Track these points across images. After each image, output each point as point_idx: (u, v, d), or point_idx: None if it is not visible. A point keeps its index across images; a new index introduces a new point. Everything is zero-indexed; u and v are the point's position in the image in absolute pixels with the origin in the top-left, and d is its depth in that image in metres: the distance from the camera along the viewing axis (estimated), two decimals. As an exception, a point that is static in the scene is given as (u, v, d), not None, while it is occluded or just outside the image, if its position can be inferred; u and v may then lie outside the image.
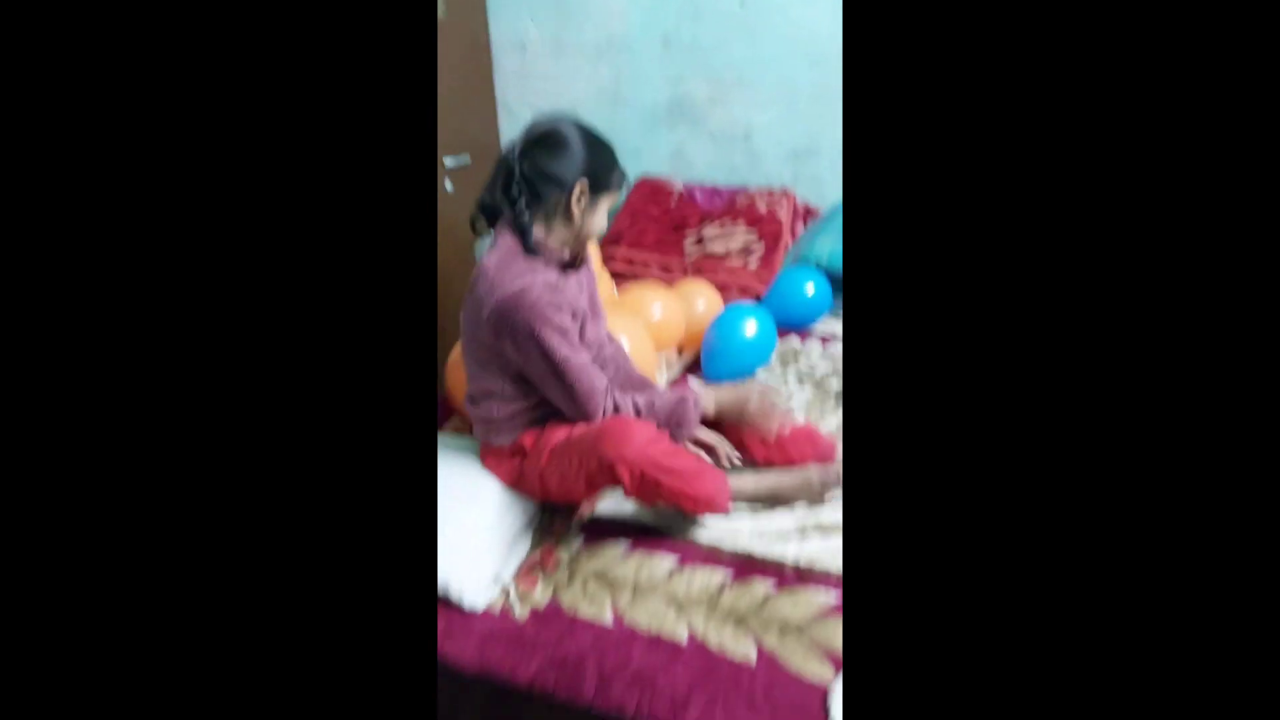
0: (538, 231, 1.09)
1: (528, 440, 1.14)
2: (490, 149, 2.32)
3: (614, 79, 2.43)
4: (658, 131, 2.44)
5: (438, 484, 1.00)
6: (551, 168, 1.07)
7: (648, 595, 1.00)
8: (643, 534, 1.12)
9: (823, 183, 2.37)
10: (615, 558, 1.07)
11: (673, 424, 1.11)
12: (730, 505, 1.11)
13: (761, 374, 1.61)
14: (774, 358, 1.70)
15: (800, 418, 1.40)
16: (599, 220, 1.13)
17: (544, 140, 1.08)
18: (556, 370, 1.06)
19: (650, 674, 0.86)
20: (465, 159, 2.10)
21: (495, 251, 1.09)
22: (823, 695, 0.82)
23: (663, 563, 1.06)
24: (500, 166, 1.10)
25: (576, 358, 1.07)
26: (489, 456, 1.17)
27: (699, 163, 2.42)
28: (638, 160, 2.41)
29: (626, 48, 2.37)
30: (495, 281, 1.05)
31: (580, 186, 1.08)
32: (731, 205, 2.26)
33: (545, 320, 1.04)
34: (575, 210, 1.09)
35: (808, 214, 2.34)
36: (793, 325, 1.85)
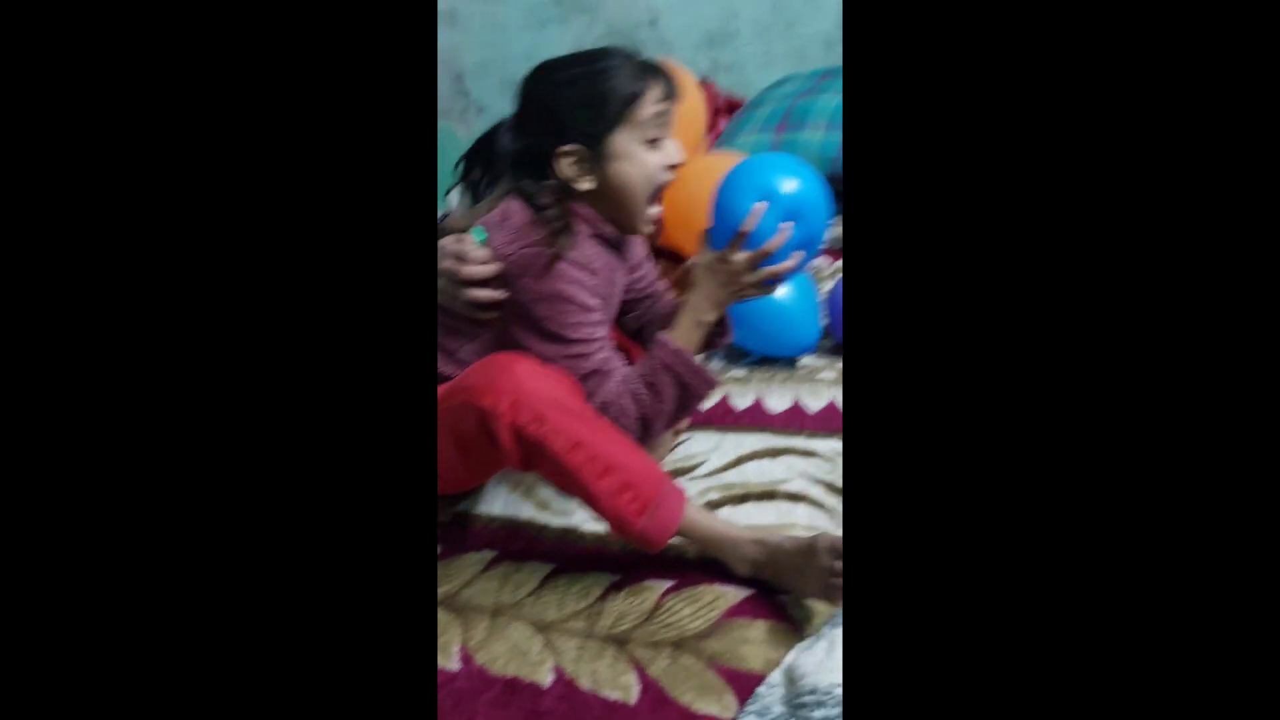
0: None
1: None
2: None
3: (487, -31, 2.06)
4: (547, 29, 2.10)
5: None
6: (524, 151, 0.81)
7: (509, 622, 0.79)
8: (510, 531, 0.91)
9: (744, 69, 2.07)
10: (472, 573, 0.86)
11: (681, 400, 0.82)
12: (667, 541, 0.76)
13: None
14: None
15: None
16: (631, 164, 0.80)
17: (512, 120, 0.83)
18: (566, 341, 0.80)
19: (494, 742, 0.66)
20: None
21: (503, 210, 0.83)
22: (719, 741, 0.63)
23: (532, 572, 0.85)
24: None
25: (598, 333, 0.82)
26: None
27: (600, 60, 2.10)
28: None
29: (494, -72, 2.01)
30: (518, 233, 0.80)
31: (561, 155, 0.80)
32: (641, 107, 1.96)
33: (573, 281, 0.79)
34: (572, 179, 0.81)
35: (730, 107, 2.04)
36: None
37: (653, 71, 0.82)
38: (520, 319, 0.82)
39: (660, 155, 0.83)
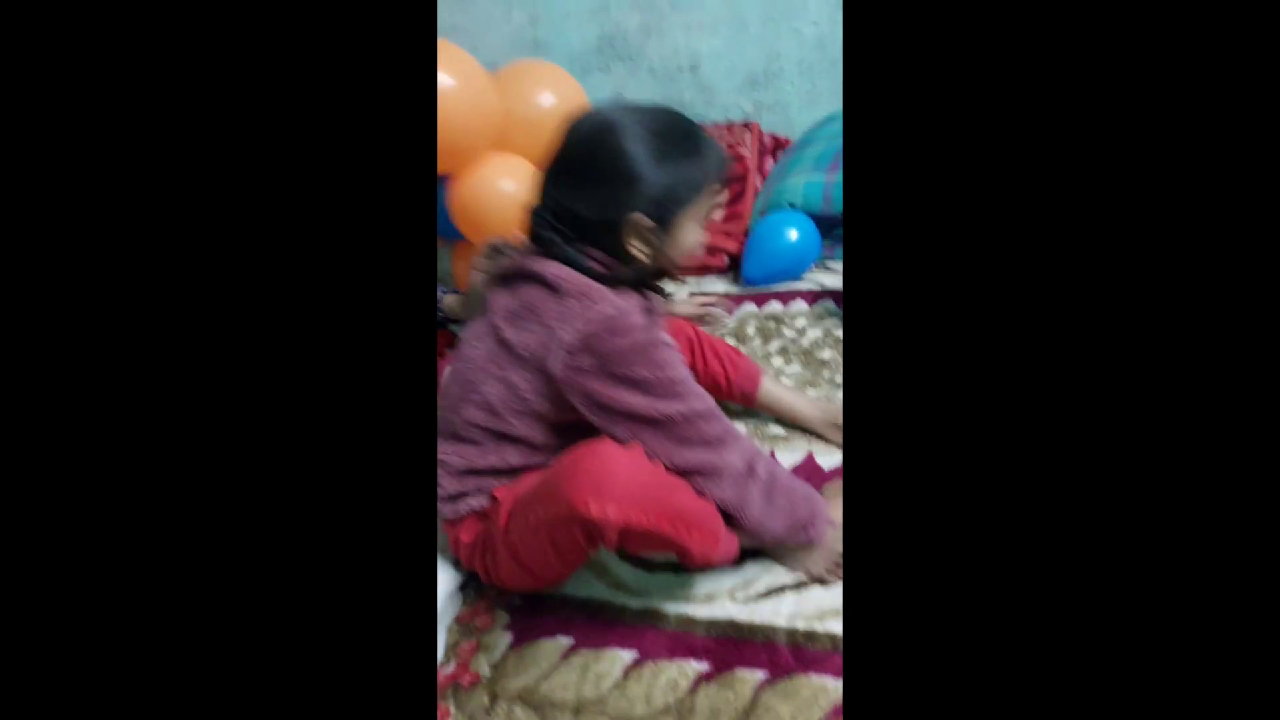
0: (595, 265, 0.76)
1: (499, 493, 0.80)
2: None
3: (529, 22, 2.08)
4: (590, 76, 2.10)
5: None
6: (584, 205, 0.74)
7: (593, 716, 0.73)
8: (588, 615, 0.85)
9: (789, 108, 2.04)
10: (550, 663, 0.81)
11: (797, 520, 0.79)
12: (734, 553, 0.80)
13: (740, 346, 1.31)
14: (753, 331, 1.41)
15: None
16: (684, 244, 0.78)
17: (575, 160, 0.74)
18: (673, 391, 0.73)
19: None
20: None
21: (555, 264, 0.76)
22: None
23: (614, 662, 0.79)
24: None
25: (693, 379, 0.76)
26: (458, 527, 0.84)
27: (642, 98, 2.09)
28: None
29: (536, -17, 2.03)
30: (585, 295, 0.73)
31: (632, 223, 0.74)
32: (686, 151, 1.94)
33: (655, 338, 0.73)
34: (634, 250, 0.75)
35: (777, 146, 2.01)
36: (776, 280, 1.57)
37: (725, 158, 0.80)
38: (615, 382, 0.74)
39: (703, 234, 0.81)
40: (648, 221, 0.74)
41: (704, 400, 0.75)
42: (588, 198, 0.74)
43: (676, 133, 0.75)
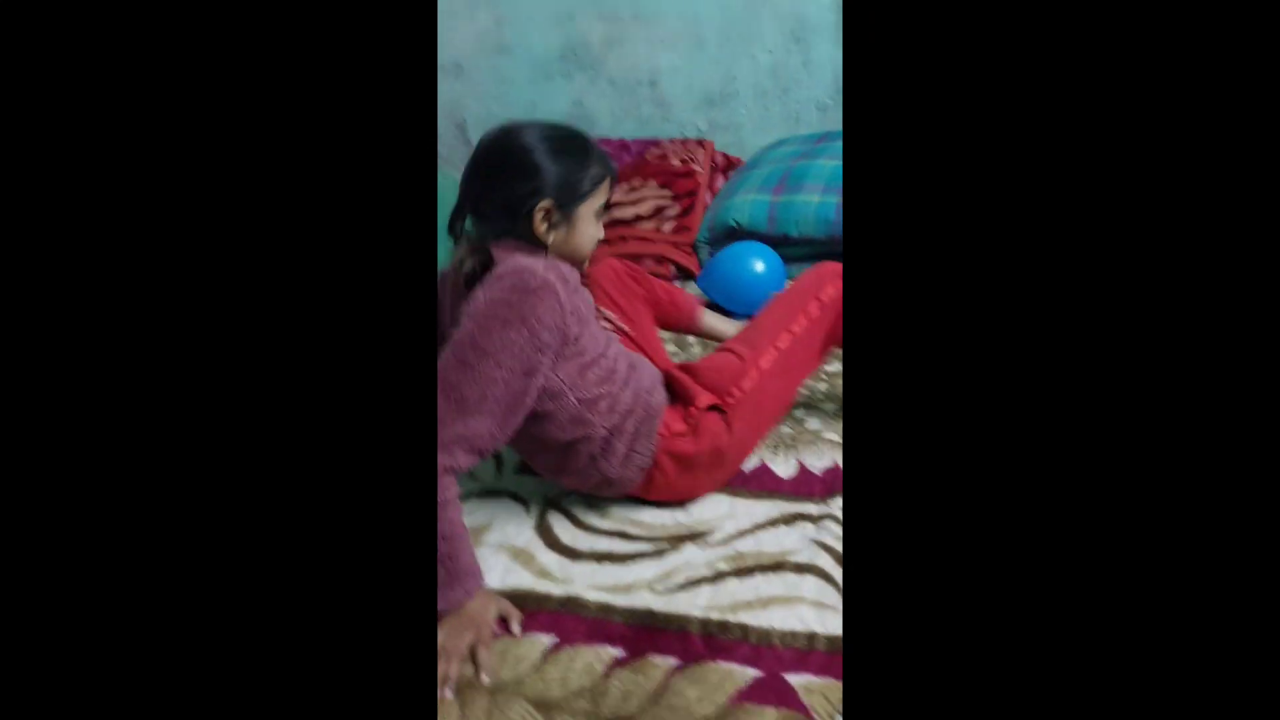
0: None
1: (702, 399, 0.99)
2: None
3: (494, 25, 2.10)
4: (551, 82, 2.13)
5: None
6: (498, 194, 0.89)
7: (509, 700, 0.76)
8: (512, 603, 0.87)
9: (741, 129, 2.11)
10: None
11: (441, 562, 0.80)
12: None
13: None
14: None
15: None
16: (585, 234, 0.94)
17: (488, 161, 0.90)
18: (476, 372, 0.81)
19: (494, 839, 0.62)
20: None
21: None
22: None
23: (533, 646, 0.82)
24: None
25: (515, 384, 0.82)
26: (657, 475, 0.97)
27: (601, 115, 2.13)
28: (530, 117, 2.11)
29: (503, -14, 2.05)
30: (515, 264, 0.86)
31: (541, 209, 0.88)
32: (641, 162, 1.98)
33: (537, 318, 0.83)
34: (541, 234, 0.90)
35: (729, 165, 2.08)
36: (737, 311, 1.48)
37: (610, 161, 0.95)
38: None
39: (598, 230, 0.96)
40: (555, 208, 0.89)
41: (503, 372, 0.82)
42: (501, 189, 0.88)
43: (569, 136, 0.91)
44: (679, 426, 0.98)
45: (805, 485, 1.03)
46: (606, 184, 0.94)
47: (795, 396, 1.14)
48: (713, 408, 1.00)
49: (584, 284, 1.03)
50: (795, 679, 0.74)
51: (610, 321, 1.19)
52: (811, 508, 0.98)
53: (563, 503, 1.04)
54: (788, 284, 1.46)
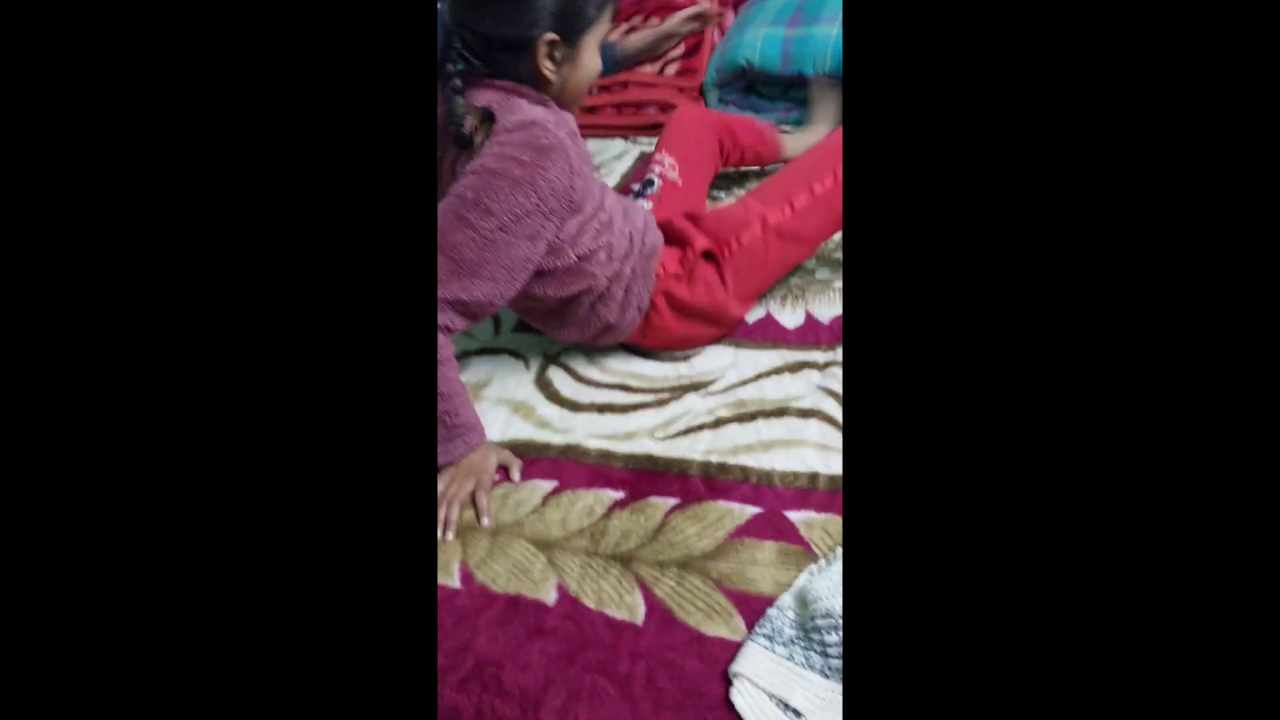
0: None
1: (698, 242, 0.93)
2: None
3: None
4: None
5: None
6: (499, 30, 0.77)
7: (509, 540, 0.77)
8: (512, 453, 0.87)
9: (754, -45, 1.89)
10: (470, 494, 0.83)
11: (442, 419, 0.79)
12: None
13: None
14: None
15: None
16: (588, 70, 0.84)
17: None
18: (478, 233, 0.75)
19: (497, 663, 0.65)
20: None
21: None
22: (722, 670, 0.61)
23: (534, 490, 0.82)
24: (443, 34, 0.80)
25: (518, 249, 0.77)
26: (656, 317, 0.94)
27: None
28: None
29: None
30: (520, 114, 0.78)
31: (545, 42, 0.78)
32: (642, -1, 1.81)
33: (548, 181, 0.76)
34: (548, 72, 0.80)
35: (739, 0, 1.89)
36: None
37: None
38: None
39: (599, 62, 0.86)
40: (555, 37, 0.78)
41: (505, 237, 0.76)
42: (496, 15, 0.77)
43: None
44: (675, 268, 0.94)
45: (812, 334, 0.99)
46: (610, 7, 0.83)
47: (808, 256, 1.05)
48: (708, 255, 0.94)
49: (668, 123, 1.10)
50: (795, 515, 0.74)
51: (662, 169, 1.13)
52: (818, 355, 0.95)
53: (562, 358, 1.02)
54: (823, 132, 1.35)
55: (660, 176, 1.14)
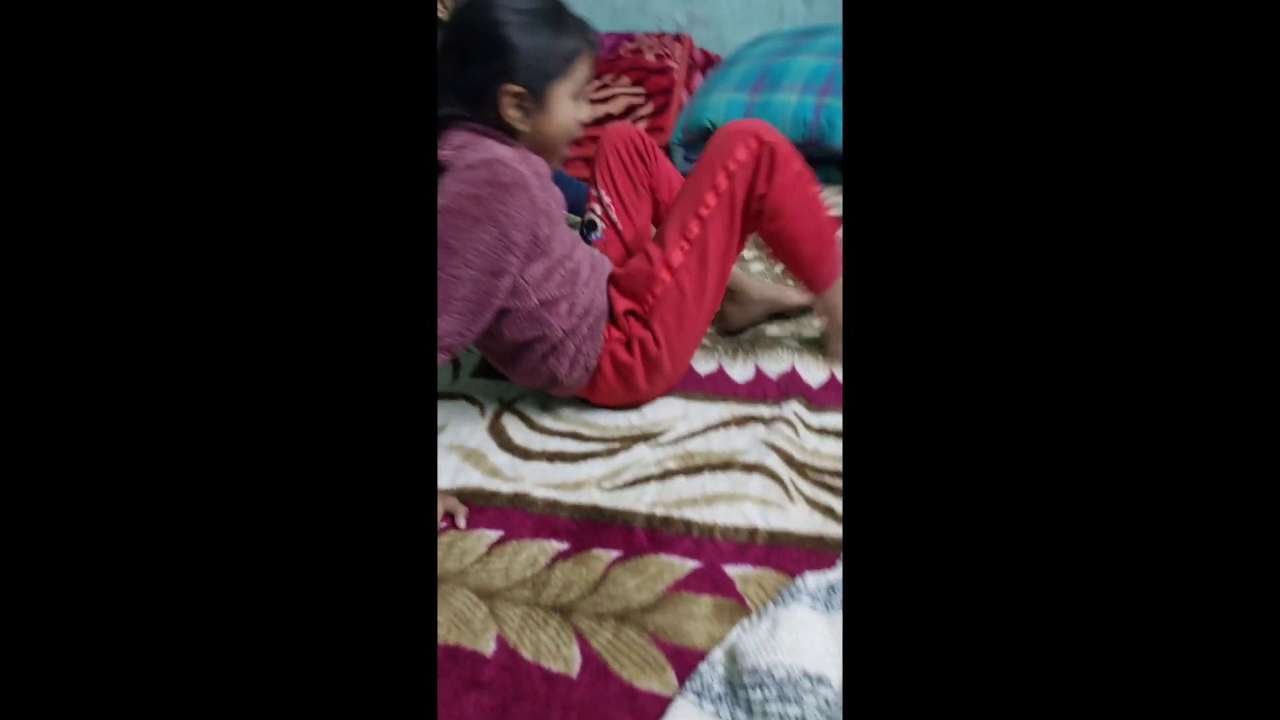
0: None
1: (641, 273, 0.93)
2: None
3: (456, -98, 1.94)
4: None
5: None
6: (465, 78, 0.82)
7: (453, 589, 0.77)
8: (460, 501, 0.88)
9: (722, 24, 2.00)
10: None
11: None
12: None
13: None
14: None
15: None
16: (561, 119, 0.86)
17: (455, 37, 0.83)
18: (443, 270, 0.79)
19: (429, 714, 0.65)
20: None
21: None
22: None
23: (479, 540, 0.83)
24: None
25: (483, 284, 0.80)
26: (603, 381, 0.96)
27: (574, 4, 2.00)
28: None
29: None
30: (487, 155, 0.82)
31: (506, 93, 0.82)
32: (615, 57, 1.88)
33: (509, 216, 0.79)
34: (513, 122, 0.84)
35: (707, 63, 1.98)
36: None
37: (590, 31, 0.87)
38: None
39: (580, 111, 0.89)
40: (519, 89, 0.82)
41: (470, 271, 0.79)
42: (467, 70, 0.82)
43: (546, 8, 0.83)
44: (616, 332, 0.96)
45: (760, 388, 1.03)
46: (585, 60, 0.85)
47: (727, 281, 1.00)
48: (632, 314, 0.96)
49: (597, 152, 1.07)
50: (733, 570, 0.76)
51: (603, 209, 1.09)
52: (764, 410, 0.98)
53: (517, 404, 1.04)
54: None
55: (601, 218, 1.11)
